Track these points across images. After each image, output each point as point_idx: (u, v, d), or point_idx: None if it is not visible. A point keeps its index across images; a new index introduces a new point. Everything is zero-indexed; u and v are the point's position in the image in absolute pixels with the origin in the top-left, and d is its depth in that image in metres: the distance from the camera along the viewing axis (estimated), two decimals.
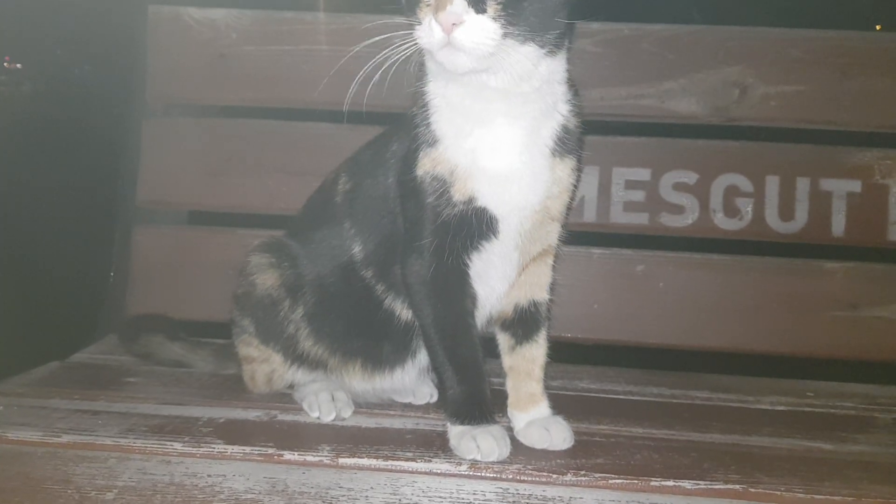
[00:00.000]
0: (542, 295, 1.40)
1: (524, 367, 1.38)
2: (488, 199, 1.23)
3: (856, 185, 1.83)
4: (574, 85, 1.31)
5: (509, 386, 1.38)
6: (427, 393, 1.50)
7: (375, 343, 1.39)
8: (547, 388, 1.42)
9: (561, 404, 1.37)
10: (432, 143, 1.24)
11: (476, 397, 1.25)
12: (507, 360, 1.39)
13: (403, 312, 1.36)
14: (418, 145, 1.25)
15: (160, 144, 1.95)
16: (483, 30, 1.09)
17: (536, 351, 1.39)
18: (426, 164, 1.23)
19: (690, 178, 1.85)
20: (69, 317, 2.13)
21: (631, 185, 1.88)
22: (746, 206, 1.84)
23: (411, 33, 1.15)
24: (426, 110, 1.25)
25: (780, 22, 1.89)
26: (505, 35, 1.09)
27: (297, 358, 1.43)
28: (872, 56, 1.83)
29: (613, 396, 1.63)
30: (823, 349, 1.82)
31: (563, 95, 1.26)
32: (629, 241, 1.89)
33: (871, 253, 1.83)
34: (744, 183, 1.84)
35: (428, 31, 1.11)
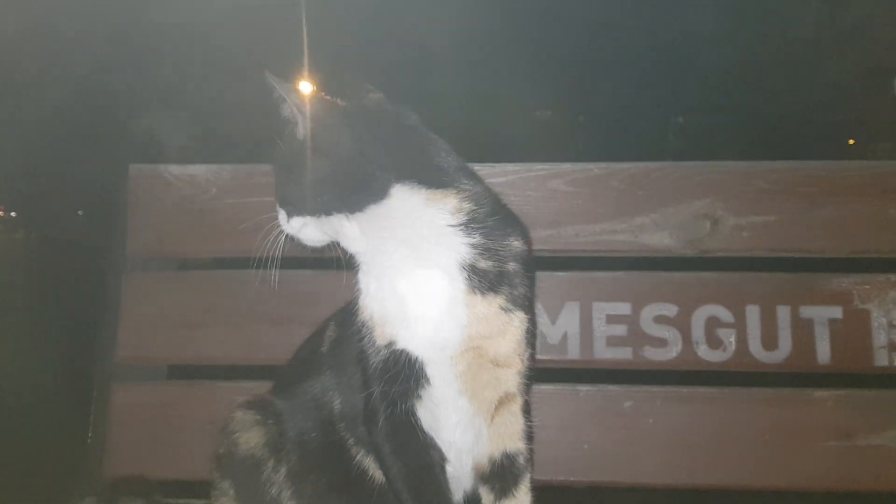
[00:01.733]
0: (516, 445, 1.36)
1: None
2: (406, 341, 1.27)
3: (837, 312, 1.83)
4: (514, 224, 1.35)
5: None
6: None
7: None
8: None
9: None
10: (359, 293, 1.33)
11: None
12: None
13: (376, 472, 1.32)
14: (355, 297, 1.34)
15: (139, 299, 1.95)
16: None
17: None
18: (360, 313, 1.32)
19: (671, 310, 1.85)
20: (45, 481, 2.07)
21: (612, 319, 1.87)
22: (729, 337, 1.83)
23: None
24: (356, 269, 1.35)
25: (745, 155, 1.95)
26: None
27: None
28: (839, 184, 1.87)
29: None
30: (820, 482, 1.76)
31: (457, 237, 1.28)
32: (614, 376, 1.87)
33: (860, 379, 1.81)
34: (724, 314, 1.84)
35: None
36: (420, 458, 1.26)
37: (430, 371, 1.27)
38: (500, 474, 1.34)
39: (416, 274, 1.27)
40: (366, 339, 1.30)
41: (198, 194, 1.97)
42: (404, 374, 1.26)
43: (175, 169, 1.99)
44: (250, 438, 1.41)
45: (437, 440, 1.28)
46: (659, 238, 1.88)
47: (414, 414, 1.27)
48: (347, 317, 1.41)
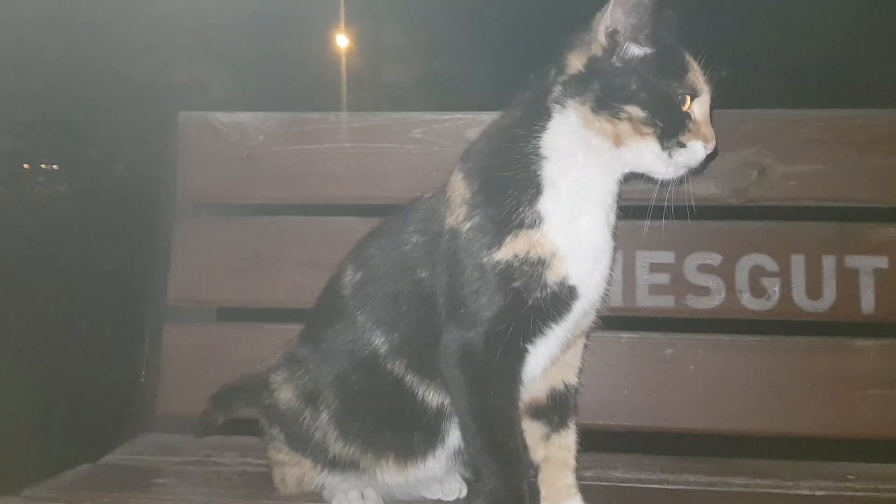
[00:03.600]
0: (575, 378, 1.41)
1: (560, 457, 1.36)
2: (579, 278, 1.25)
3: (882, 262, 1.82)
4: None
5: (543, 479, 1.36)
6: (456, 488, 1.47)
7: (406, 434, 1.38)
8: (580, 478, 1.41)
9: (595, 496, 1.34)
10: (533, 224, 1.22)
11: (518, 491, 1.24)
12: (541, 451, 1.37)
13: (434, 399, 1.35)
14: (508, 228, 1.22)
15: (190, 243, 1.99)
16: None
17: (572, 438, 1.38)
18: (518, 247, 1.21)
19: (715, 259, 1.85)
20: (100, 418, 2.15)
21: (655, 268, 1.88)
22: (773, 286, 1.83)
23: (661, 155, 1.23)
24: (530, 193, 1.24)
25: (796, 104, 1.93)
26: None
27: (329, 461, 1.42)
28: (888, 133, 1.85)
29: (649, 486, 1.59)
30: (861, 429, 1.77)
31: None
32: (656, 325, 1.88)
33: None
34: (769, 263, 1.84)
35: (691, 153, 1.23)
36: (510, 393, 1.26)
37: (575, 306, 1.27)
38: (558, 406, 1.38)
39: (600, 214, 1.30)
40: (527, 276, 1.22)
41: (245, 141, 2.00)
42: (557, 310, 1.25)
43: (223, 116, 2.02)
44: (284, 395, 1.45)
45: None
46: (705, 187, 1.86)
47: (528, 349, 1.27)
48: (366, 260, 1.43)
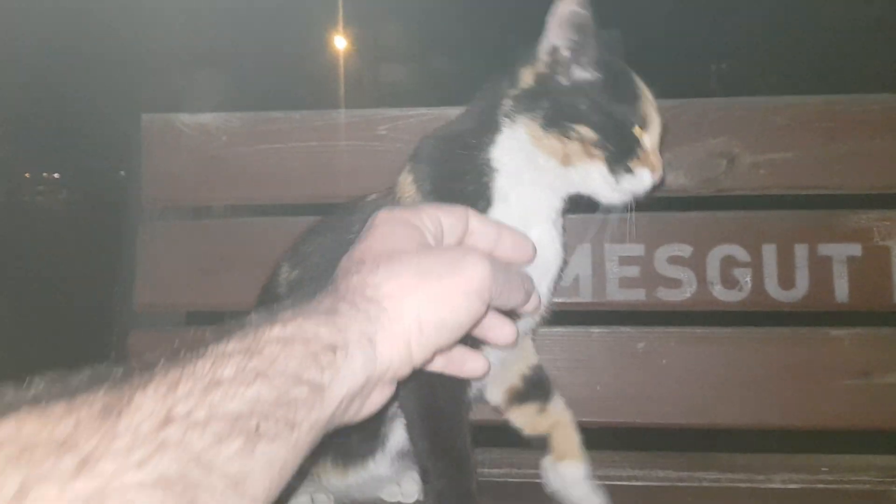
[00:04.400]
0: (536, 358, 1.46)
1: (564, 417, 1.42)
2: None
3: (856, 249, 1.79)
4: None
5: (556, 440, 1.40)
6: (415, 491, 1.45)
7: (344, 436, 1.35)
8: None
9: None
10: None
11: (468, 491, 1.19)
12: (544, 422, 1.41)
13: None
14: None
15: (155, 247, 1.97)
16: None
17: (562, 401, 1.44)
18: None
19: (685, 250, 1.83)
20: None
21: (625, 260, 1.86)
22: (745, 277, 1.80)
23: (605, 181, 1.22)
24: (481, 205, 1.21)
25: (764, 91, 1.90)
26: None
27: None
28: (858, 118, 1.82)
29: (617, 483, 1.57)
30: (836, 420, 1.74)
31: None
32: (627, 319, 1.86)
33: (878, 317, 1.78)
34: (740, 253, 1.81)
35: (639, 181, 1.22)
36: (461, 398, 1.24)
37: (522, 319, 1.26)
38: (535, 384, 1.43)
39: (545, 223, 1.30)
40: None
41: (209, 142, 1.97)
42: None
43: (186, 118, 1.99)
44: None
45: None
46: (674, 178, 1.84)
47: None
48: (303, 258, 1.43)
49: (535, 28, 1.24)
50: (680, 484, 1.54)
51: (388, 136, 1.93)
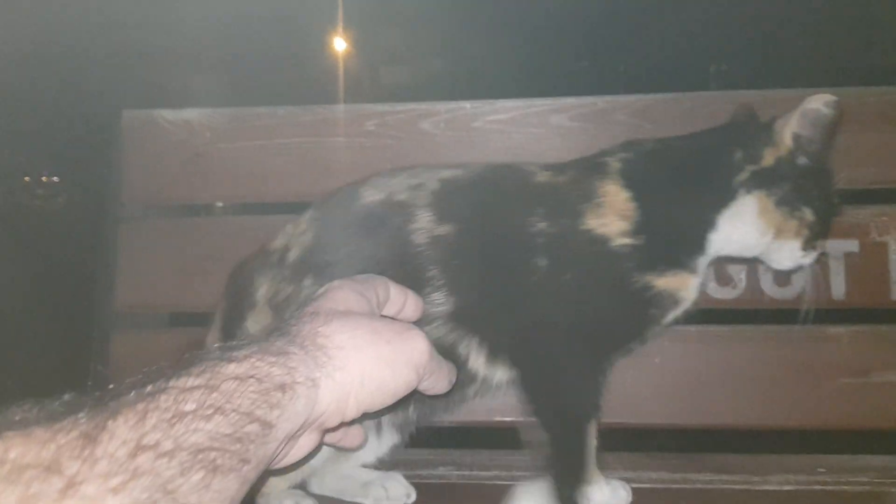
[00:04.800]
0: None
1: None
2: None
3: (853, 245, 1.75)
4: None
5: None
6: (403, 493, 1.41)
7: None
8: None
9: None
10: (691, 271, 1.36)
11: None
12: None
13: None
14: (670, 264, 1.32)
15: (137, 247, 1.92)
16: None
17: None
18: (672, 283, 1.33)
19: None
20: None
21: None
22: (739, 274, 1.77)
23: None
24: (695, 249, 1.35)
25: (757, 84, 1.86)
26: None
27: None
28: (855, 111, 1.77)
29: None
30: (834, 420, 1.70)
31: None
32: None
33: (876, 314, 1.74)
34: None
35: (810, 257, 1.37)
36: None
37: None
38: None
39: None
40: (664, 305, 1.36)
41: (192, 139, 1.93)
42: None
43: (169, 114, 1.95)
44: None
45: None
46: None
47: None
48: (461, 215, 1.35)
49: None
50: (673, 486, 1.50)
51: (375, 131, 1.89)
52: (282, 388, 0.72)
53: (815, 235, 1.34)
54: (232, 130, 1.94)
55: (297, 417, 0.73)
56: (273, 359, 0.73)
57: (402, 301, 0.98)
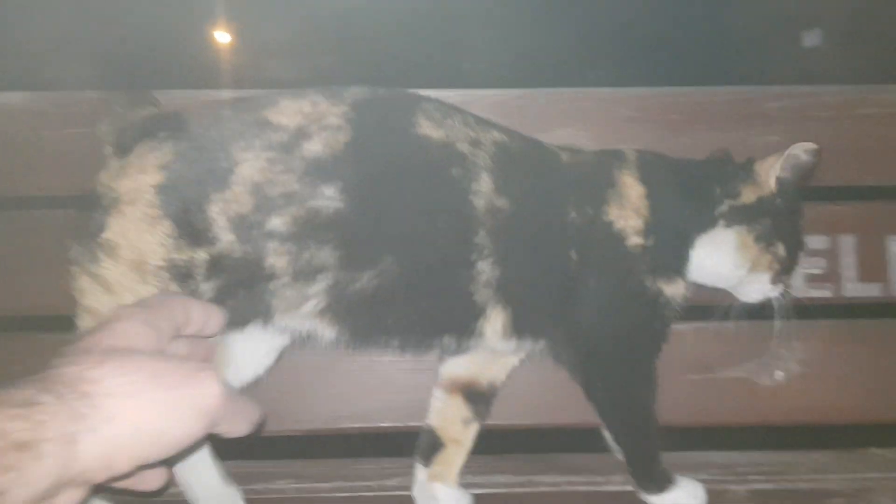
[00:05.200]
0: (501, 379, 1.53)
1: (468, 444, 1.49)
2: None
3: None
4: None
5: (446, 457, 1.46)
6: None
7: None
8: (379, 487, 1.29)
9: None
10: (684, 277, 1.42)
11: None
12: (457, 431, 1.46)
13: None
14: (676, 270, 1.38)
15: None
16: None
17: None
18: (675, 289, 1.39)
19: None
20: None
21: None
22: None
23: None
24: (685, 260, 1.40)
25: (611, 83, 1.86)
26: None
27: None
28: (702, 110, 1.81)
29: None
30: (680, 416, 1.69)
31: None
32: None
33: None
34: None
35: (779, 291, 1.42)
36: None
37: None
38: (489, 398, 1.51)
39: None
40: (670, 308, 1.42)
41: (13, 125, 1.76)
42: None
43: None
44: None
45: None
46: None
47: None
48: (515, 189, 1.33)
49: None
50: (519, 489, 1.47)
51: None
52: (21, 446, 0.63)
53: (785, 270, 1.40)
54: (57, 116, 1.78)
55: (40, 481, 0.64)
56: (15, 411, 0.64)
57: (204, 319, 0.89)
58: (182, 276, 1.19)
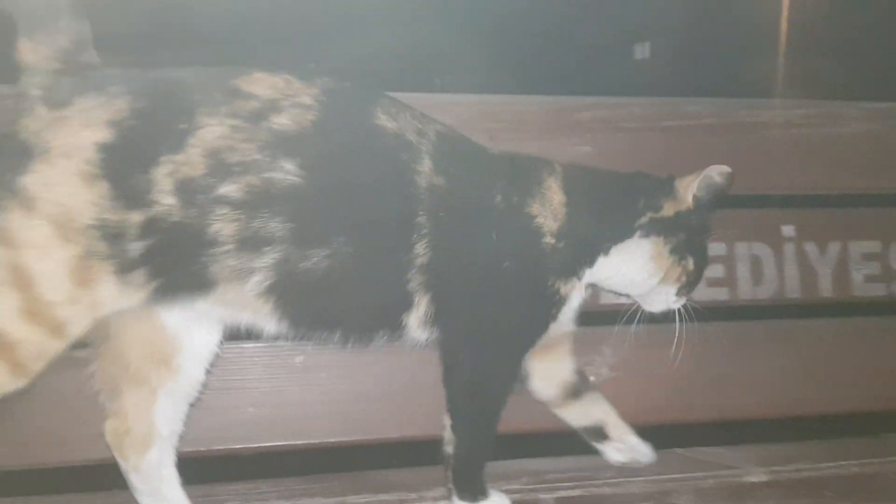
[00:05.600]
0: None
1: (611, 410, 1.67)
2: None
3: None
4: None
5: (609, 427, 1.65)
6: None
7: None
8: None
9: None
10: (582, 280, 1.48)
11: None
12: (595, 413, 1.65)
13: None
14: (575, 272, 1.43)
15: None
16: None
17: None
18: (573, 290, 1.45)
19: None
20: None
21: None
22: None
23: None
24: (588, 265, 1.46)
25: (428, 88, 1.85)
26: None
27: None
28: (517, 120, 1.82)
29: None
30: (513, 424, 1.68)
31: None
32: None
33: None
34: None
35: (677, 304, 1.51)
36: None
37: None
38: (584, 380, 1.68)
39: None
40: (562, 308, 1.46)
41: None
42: None
43: None
44: None
45: None
46: None
47: None
48: (453, 166, 1.38)
49: None
50: None
51: None
52: None
53: (690, 283, 1.48)
54: None
55: None
56: None
57: None
58: (112, 236, 1.14)
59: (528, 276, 1.38)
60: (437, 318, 1.34)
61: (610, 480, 1.57)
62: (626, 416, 1.65)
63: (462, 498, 1.37)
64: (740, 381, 1.84)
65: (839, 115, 1.99)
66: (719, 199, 1.48)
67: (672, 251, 1.44)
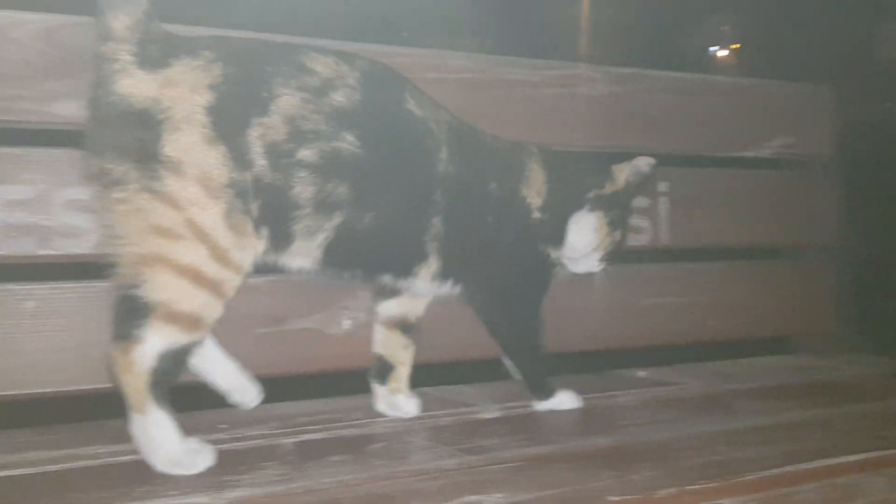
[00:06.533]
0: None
1: (410, 361, 1.80)
2: None
3: None
4: None
5: (396, 376, 1.76)
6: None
7: None
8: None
9: None
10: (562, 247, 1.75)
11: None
12: (400, 354, 1.75)
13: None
14: (556, 240, 1.71)
15: None
16: None
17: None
18: (555, 253, 1.75)
19: (87, 194, 1.57)
20: None
21: (13, 204, 1.56)
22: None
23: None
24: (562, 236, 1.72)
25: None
26: None
27: None
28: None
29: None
30: (254, 368, 1.68)
31: None
32: (16, 274, 1.58)
33: None
34: None
35: (592, 264, 1.75)
36: None
37: None
38: (416, 327, 1.80)
39: None
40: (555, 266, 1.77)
41: None
42: None
43: None
44: None
45: None
46: (75, 108, 1.56)
47: None
48: (461, 158, 1.61)
49: None
50: (51, 467, 1.30)
51: None
52: None
53: (613, 253, 1.73)
54: None
55: None
56: None
57: None
58: (241, 194, 1.29)
59: (524, 247, 1.68)
60: (447, 276, 1.59)
61: (356, 422, 1.62)
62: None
63: (539, 398, 1.73)
64: None
65: (589, 77, 2.15)
66: (644, 185, 1.79)
67: (609, 223, 1.69)
